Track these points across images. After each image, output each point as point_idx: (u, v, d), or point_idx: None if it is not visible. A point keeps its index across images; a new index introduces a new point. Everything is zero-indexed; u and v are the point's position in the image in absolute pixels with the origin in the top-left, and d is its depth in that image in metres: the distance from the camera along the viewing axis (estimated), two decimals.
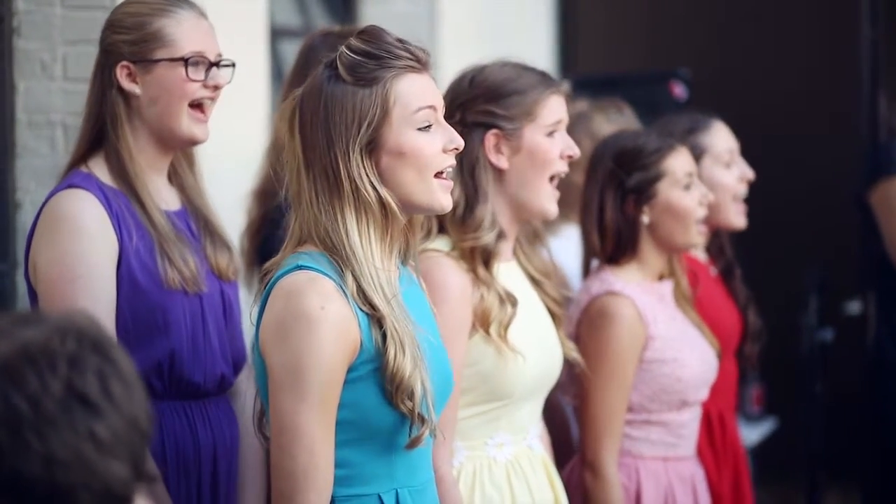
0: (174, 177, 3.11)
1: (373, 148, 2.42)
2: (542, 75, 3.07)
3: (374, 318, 2.39)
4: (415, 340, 2.41)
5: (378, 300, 2.38)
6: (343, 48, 2.45)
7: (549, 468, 3.09)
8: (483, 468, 2.96)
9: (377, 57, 2.43)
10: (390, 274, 2.46)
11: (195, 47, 3.00)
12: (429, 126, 2.45)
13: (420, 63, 2.46)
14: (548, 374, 3.07)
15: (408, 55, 2.45)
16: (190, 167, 3.14)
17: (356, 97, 2.41)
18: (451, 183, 2.49)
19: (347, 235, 2.39)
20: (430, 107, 2.46)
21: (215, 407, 3.08)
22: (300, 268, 2.39)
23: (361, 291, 2.38)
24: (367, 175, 2.40)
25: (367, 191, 2.40)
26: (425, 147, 2.44)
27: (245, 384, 3.19)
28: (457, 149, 2.48)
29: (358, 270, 2.39)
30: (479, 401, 2.95)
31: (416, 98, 2.44)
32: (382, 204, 2.41)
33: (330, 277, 2.38)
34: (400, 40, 2.47)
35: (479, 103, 3.01)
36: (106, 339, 1.67)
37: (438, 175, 2.46)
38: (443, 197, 2.47)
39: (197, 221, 3.10)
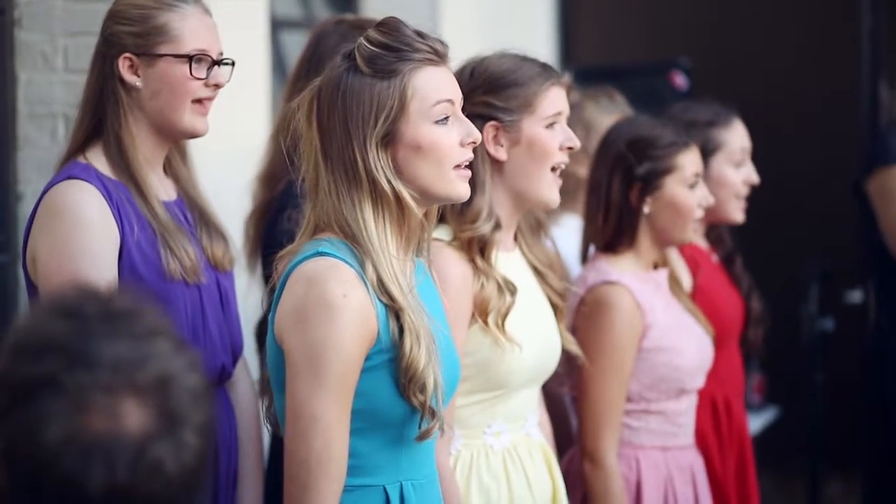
0: (168, 168, 3.10)
1: (389, 141, 2.42)
2: (543, 67, 3.05)
3: (392, 309, 2.39)
4: (430, 333, 2.41)
5: (396, 291, 2.39)
6: (362, 40, 2.45)
7: (548, 456, 3.09)
8: (480, 456, 2.96)
9: (396, 49, 2.43)
10: (406, 266, 2.46)
11: (199, 45, 2.99)
12: (446, 119, 2.46)
13: (438, 56, 2.46)
14: (545, 364, 3.07)
15: (426, 48, 2.45)
16: (183, 159, 3.13)
17: (374, 90, 2.41)
18: (469, 172, 2.49)
19: (366, 226, 2.40)
20: (448, 100, 2.46)
21: (214, 398, 3.07)
22: (320, 254, 2.38)
23: (381, 282, 2.38)
24: (384, 168, 2.40)
25: (383, 184, 2.40)
26: (442, 140, 2.44)
27: (241, 375, 3.19)
28: (474, 142, 2.49)
29: (377, 261, 2.39)
30: (476, 390, 2.95)
31: (434, 91, 2.44)
32: (398, 197, 2.41)
33: (350, 265, 2.38)
34: (419, 32, 2.47)
35: (479, 95, 3.00)
36: (190, 426, 1.62)
37: (457, 167, 2.47)
38: (461, 186, 2.48)
39: (192, 212, 3.10)
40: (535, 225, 3.17)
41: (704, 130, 3.81)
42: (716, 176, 3.74)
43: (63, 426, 1.54)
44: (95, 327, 1.58)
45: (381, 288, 2.38)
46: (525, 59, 3.05)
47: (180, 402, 1.59)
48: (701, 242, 3.97)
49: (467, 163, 2.49)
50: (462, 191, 2.48)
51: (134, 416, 1.56)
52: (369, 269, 2.38)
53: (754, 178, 3.95)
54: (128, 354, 1.57)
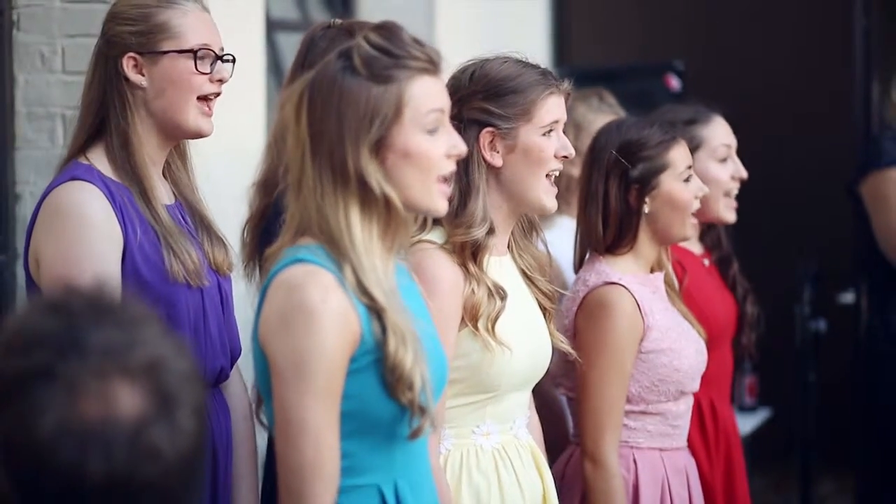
0: (168, 172, 3.10)
1: (380, 146, 2.42)
2: (543, 74, 3.05)
3: (374, 310, 2.39)
4: (414, 332, 2.41)
5: (377, 293, 2.39)
6: (360, 41, 2.44)
7: (536, 456, 3.09)
8: (470, 455, 2.97)
9: (395, 55, 2.43)
10: (388, 269, 2.46)
11: (202, 40, 3.00)
12: (436, 129, 2.46)
13: (433, 65, 2.47)
14: (536, 367, 3.07)
15: (423, 56, 2.45)
16: (183, 163, 3.13)
17: (370, 93, 2.41)
18: (450, 188, 2.50)
19: (350, 228, 2.39)
20: (440, 110, 2.47)
21: (210, 399, 3.08)
22: (299, 261, 2.39)
23: (360, 284, 2.38)
24: (374, 172, 2.40)
25: (374, 187, 2.39)
26: (431, 150, 2.44)
27: (235, 377, 3.20)
28: (459, 155, 2.50)
29: (357, 263, 2.38)
30: (466, 391, 2.95)
31: (428, 100, 2.44)
32: (387, 201, 2.41)
33: (329, 270, 2.38)
34: (416, 40, 2.47)
35: (477, 100, 2.99)
36: (187, 410, 1.62)
37: (439, 179, 2.47)
38: (440, 201, 2.48)
39: (192, 216, 3.10)
40: (527, 227, 3.17)
41: (685, 129, 3.82)
42: (700, 173, 3.74)
43: (57, 415, 1.55)
44: (83, 318, 1.60)
45: (361, 289, 2.38)
46: (526, 66, 3.04)
47: (173, 384, 1.60)
48: (694, 245, 3.98)
49: (448, 176, 2.49)
50: (440, 205, 2.48)
51: (127, 400, 1.57)
52: (348, 271, 2.38)
53: (742, 172, 3.94)
54: (117, 340, 1.59)
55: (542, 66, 3.11)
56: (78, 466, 1.55)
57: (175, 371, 1.61)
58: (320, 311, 2.34)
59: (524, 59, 3.07)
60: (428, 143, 2.45)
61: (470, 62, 3.05)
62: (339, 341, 2.35)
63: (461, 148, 2.50)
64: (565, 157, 3.05)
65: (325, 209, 2.41)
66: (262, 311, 2.41)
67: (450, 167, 2.49)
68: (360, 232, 2.40)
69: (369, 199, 2.41)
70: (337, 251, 2.39)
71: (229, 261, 3.15)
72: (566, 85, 3.09)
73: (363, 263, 2.39)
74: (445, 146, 2.47)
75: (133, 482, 1.57)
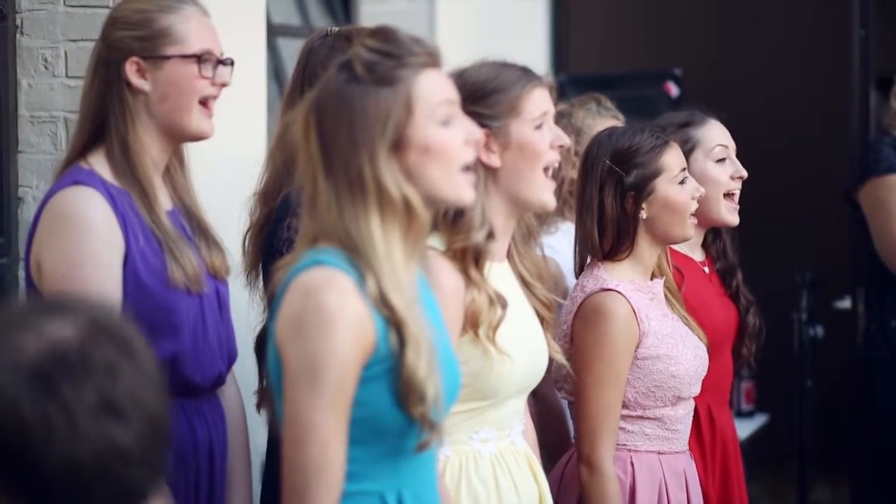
0: (166, 175, 3.10)
1: (398, 146, 2.41)
2: (523, 70, 3.07)
3: (392, 320, 2.38)
4: (431, 345, 2.40)
5: (399, 302, 2.37)
6: (358, 48, 2.45)
7: (532, 463, 3.09)
8: (469, 461, 2.97)
9: (395, 55, 2.43)
10: (411, 275, 2.45)
11: (204, 45, 3.01)
12: (449, 120, 2.46)
13: (434, 59, 2.47)
14: (533, 374, 3.08)
15: (423, 51, 2.45)
16: (181, 167, 3.13)
17: (378, 97, 2.40)
18: (473, 177, 2.50)
19: (371, 236, 2.38)
20: (450, 101, 2.47)
21: (208, 404, 3.09)
22: (318, 263, 2.38)
23: (382, 294, 2.37)
24: (394, 175, 2.39)
25: (392, 191, 2.38)
26: (449, 141, 2.44)
27: (229, 381, 3.20)
28: (476, 141, 2.49)
29: (379, 271, 2.37)
30: (466, 398, 2.92)
31: (437, 93, 2.45)
32: (407, 203, 2.40)
33: (348, 274, 2.37)
34: (413, 38, 2.47)
35: (465, 105, 3.02)
36: (132, 336, 1.66)
37: (463, 169, 2.47)
38: (466, 191, 2.47)
39: (190, 221, 3.10)
40: (526, 233, 3.18)
41: (679, 131, 3.82)
42: (698, 174, 3.74)
43: (4, 368, 1.57)
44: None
45: (382, 300, 2.37)
46: (504, 66, 3.07)
47: (111, 318, 1.64)
48: (696, 252, 3.97)
49: (470, 164, 2.49)
50: (468, 195, 2.48)
51: (67, 328, 1.59)
52: (370, 280, 2.37)
53: (742, 172, 3.89)
54: (49, 303, 1.65)
55: (539, 71, 3.13)
56: (45, 405, 1.56)
57: (113, 311, 1.66)
58: (337, 316, 2.33)
59: (502, 61, 3.09)
60: (445, 134, 2.44)
61: (447, 74, 3.06)
62: (354, 347, 2.35)
63: (476, 133, 2.50)
64: (560, 146, 3.07)
65: (344, 221, 2.39)
66: (280, 313, 2.40)
67: (470, 155, 2.48)
68: (381, 239, 2.39)
69: (388, 205, 2.39)
70: (360, 259, 2.38)
71: (226, 265, 3.16)
72: (547, 78, 3.11)
73: (385, 271, 2.38)
74: (462, 134, 2.47)
75: (112, 402, 1.58)
